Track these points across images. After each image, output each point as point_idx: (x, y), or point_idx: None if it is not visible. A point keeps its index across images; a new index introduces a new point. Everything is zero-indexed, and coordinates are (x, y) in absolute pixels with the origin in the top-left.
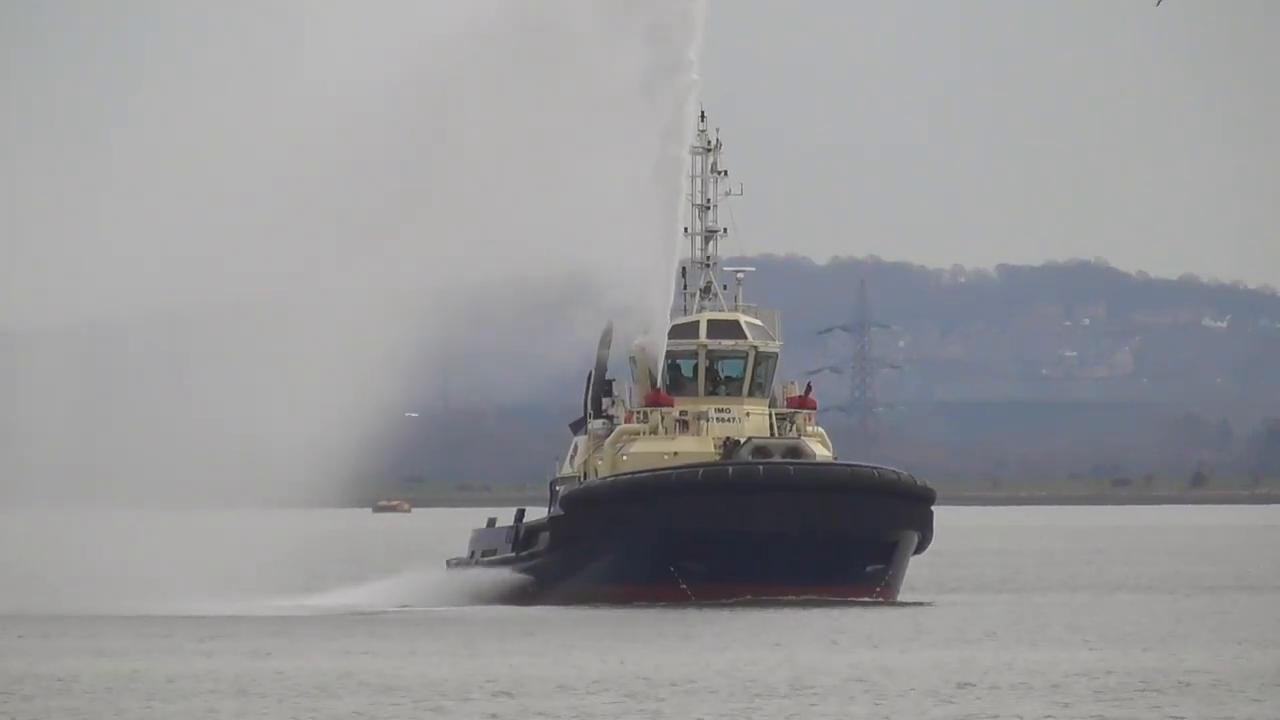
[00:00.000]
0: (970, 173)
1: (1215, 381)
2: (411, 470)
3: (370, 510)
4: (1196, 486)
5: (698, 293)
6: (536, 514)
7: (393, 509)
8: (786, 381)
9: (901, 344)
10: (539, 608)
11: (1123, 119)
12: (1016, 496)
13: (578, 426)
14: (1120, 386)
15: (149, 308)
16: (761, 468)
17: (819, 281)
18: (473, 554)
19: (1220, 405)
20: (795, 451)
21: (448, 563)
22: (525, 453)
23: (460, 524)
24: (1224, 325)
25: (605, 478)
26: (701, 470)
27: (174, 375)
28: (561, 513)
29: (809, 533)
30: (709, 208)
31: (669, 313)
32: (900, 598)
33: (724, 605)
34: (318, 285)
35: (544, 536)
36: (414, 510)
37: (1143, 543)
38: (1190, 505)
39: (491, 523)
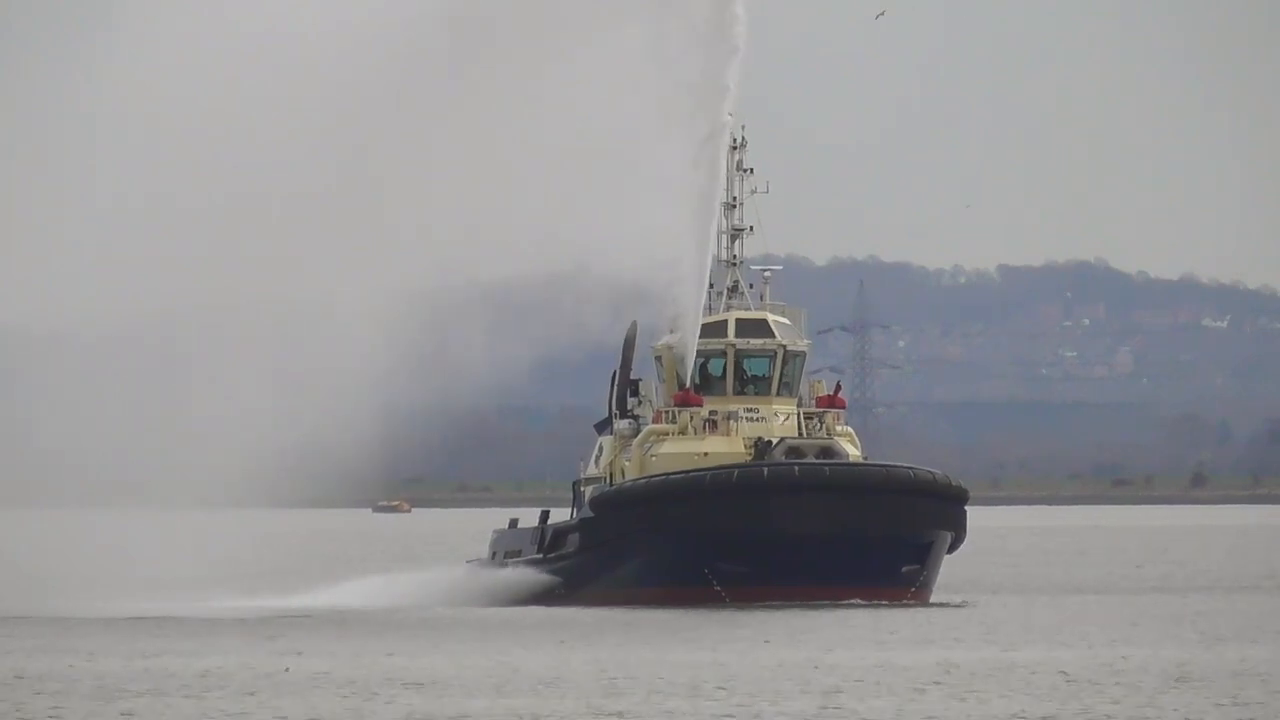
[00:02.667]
0: (970, 173)
1: (1215, 381)
2: (411, 470)
3: (370, 510)
4: (1196, 486)
5: (724, 291)
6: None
7: (393, 509)
8: (813, 380)
9: (901, 344)
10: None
11: (1122, 119)
12: (1016, 496)
13: (602, 427)
14: (1120, 386)
15: (146, 307)
16: (797, 468)
17: (819, 281)
18: (494, 554)
19: (1220, 405)
20: (828, 452)
21: (467, 563)
22: (525, 453)
23: (461, 524)
24: (1224, 325)
25: (637, 479)
26: (737, 471)
27: (173, 374)
28: (592, 514)
29: (845, 534)
30: (735, 205)
31: (700, 311)
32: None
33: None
34: (318, 281)
35: (573, 538)
36: (414, 510)
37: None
38: (1190, 505)
39: (513, 523)
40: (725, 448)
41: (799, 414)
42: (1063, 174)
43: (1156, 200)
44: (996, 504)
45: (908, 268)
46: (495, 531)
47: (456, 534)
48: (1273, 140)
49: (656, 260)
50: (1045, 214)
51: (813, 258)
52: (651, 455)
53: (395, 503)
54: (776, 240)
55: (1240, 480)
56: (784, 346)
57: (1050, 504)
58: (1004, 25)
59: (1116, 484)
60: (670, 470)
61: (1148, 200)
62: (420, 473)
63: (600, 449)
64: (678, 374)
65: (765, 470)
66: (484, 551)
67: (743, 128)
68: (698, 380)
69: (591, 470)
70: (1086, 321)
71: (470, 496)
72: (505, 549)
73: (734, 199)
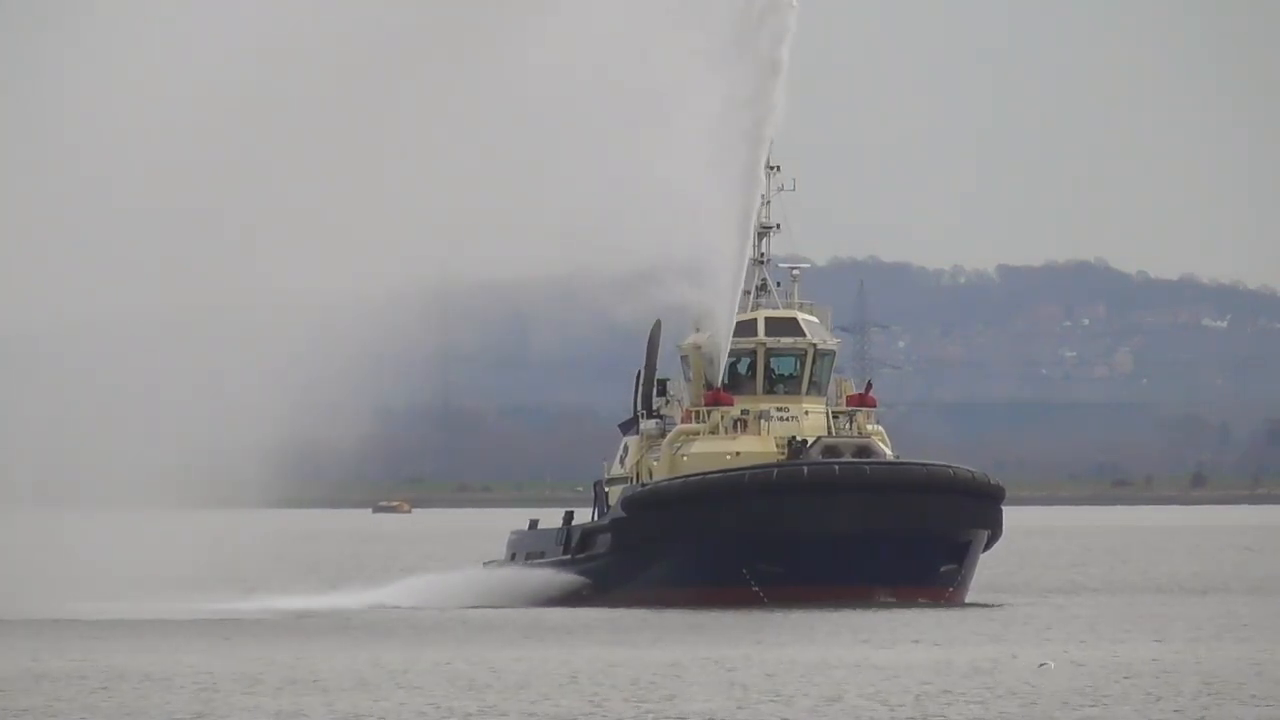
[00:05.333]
0: (970, 173)
1: (1215, 381)
2: (411, 470)
3: (370, 511)
4: (1196, 487)
5: (752, 290)
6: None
7: (393, 509)
8: (841, 379)
9: (901, 344)
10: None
11: (1122, 119)
12: (1017, 496)
13: (627, 427)
14: (1120, 386)
15: (142, 306)
16: (837, 467)
17: (819, 281)
18: (513, 556)
19: (1220, 405)
20: (865, 450)
21: (484, 564)
22: (525, 453)
23: (462, 524)
24: (1224, 325)
25: (671, 478)
26: (776, 470)
27: (171, 374)
28: (623, 514)
29: (885, 533)
30: (763, 203)
31: (735, 311)
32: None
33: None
34: (318, 278)
35: (604, 538)
36: (414, 510)
37: None
38: (1190, 506)
39: (534, 524)
40: (757, 447)
41: (828, 413)
42: (1063, 174)
43: (1156, 200)
44: None
45: (908, 268)
46: (514, 532)
47: (458, 534)
48: (1273, 140)
49: (682, 261)
50: (1045, 214)
51: (813, 258)
52: (682, 455)
53: (395, 503)
54: (778, 240)
55: (1240, 480)
56: (814, 345)
57: (1050, 504)
58: (1005, 26)
59: (1116, 484)
60: (702, 470)
61: (1148, 200)
62: (420, 473)
63: (625, 449)
64: (706, 374)
65: (805, 469)
66: (500, 553)
67: None
68: (726, 380)
69: (617, 470)
70: (1086, 321)
71: (470, 496)
72: (527, 550)
73: (762, 196)
